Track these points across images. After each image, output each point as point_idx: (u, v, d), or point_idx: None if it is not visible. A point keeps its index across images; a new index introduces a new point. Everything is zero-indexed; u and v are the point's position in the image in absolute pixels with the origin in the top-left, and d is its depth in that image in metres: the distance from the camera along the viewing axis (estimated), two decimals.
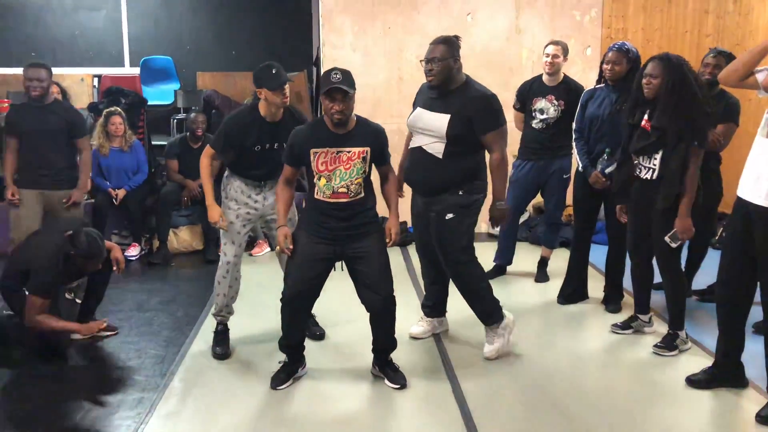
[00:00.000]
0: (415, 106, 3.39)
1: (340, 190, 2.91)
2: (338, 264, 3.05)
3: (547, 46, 4.40)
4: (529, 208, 5.69)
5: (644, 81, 3.21)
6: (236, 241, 3.44)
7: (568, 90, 4.30)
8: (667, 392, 3.05)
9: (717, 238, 5.08)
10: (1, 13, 7.11)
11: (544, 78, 4.40)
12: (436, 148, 3.22)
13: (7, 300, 3.48)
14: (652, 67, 3.19)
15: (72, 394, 3.09)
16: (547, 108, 4.34)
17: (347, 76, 2.82)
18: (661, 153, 3.20)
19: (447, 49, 3.13)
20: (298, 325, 3.09)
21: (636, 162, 3.34)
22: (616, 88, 3.75)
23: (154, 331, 3.86)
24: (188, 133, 5.51)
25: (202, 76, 7.27)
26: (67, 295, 3.92)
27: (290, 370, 3.14)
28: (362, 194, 2.96)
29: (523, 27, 5.91)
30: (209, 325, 3.88)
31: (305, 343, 3.19)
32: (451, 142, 3.18)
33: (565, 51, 4.39)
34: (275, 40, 7.43)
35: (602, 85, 3.87)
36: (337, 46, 5.81)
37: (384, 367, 3.13)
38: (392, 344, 3.13)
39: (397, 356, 3.17)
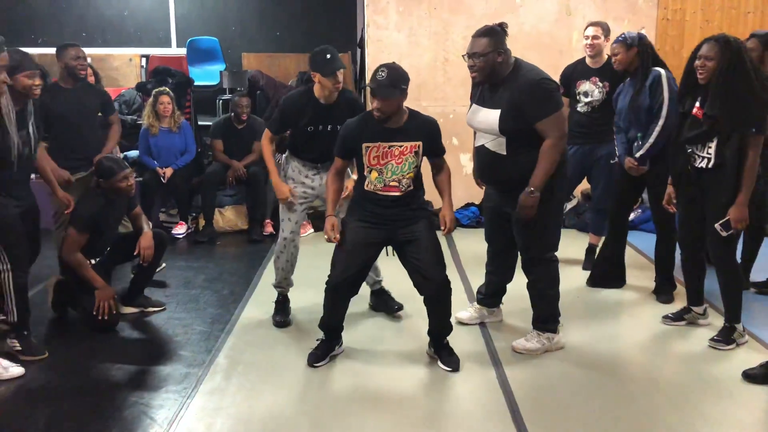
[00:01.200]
0: (472, 100, 3.25)
1: (392, 183, 2.91)
2: (387, 249, 3.04)
3: (586, 27, 4.35)
4: (577, 194, 5.58)
5: (698, 63, 3.04)
6: (293, 218, 3.54)
7: (612, 71, 4.18)
8: (722, 387, 2.94)
9: None
10: None
11: (587, 60, 4.34)
12: (498, 145, 3.06)
13: (65, 272, 3.56)
14: (707, 48, 3.03)
15: (122, 368, 3.15)
16: (591, 90, 4.27)
17: (393, 76, 2.79)
18: (715, 141, 3.05)
19: (489, 42, 2.92)
20: (341, 309, 3.10)
21: (690, 150, 3.19)
22: (631, 78, 3.75)
23: (200, 307, 3.91)
24: (233, 115, 5.54)
25: (248, 57, 7.30)
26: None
27: (327, 348, 3.15)
28: (413, 187, 2.96)
29: (574, 8, 5.75)
30: (253, 303, 3.93)
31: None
32: (511, 138, 3.01)
33: (606, 31, 4.30)
34: (320, 21, 7.40)
35: (628, 79, 3.83)
36: (381, 26, 5.75)
37: (439, 349, 3.11)
38: (446, 328, 3.10)
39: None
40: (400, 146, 2.90)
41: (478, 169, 3.31)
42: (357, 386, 2.93)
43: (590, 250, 4.56)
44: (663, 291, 3.92)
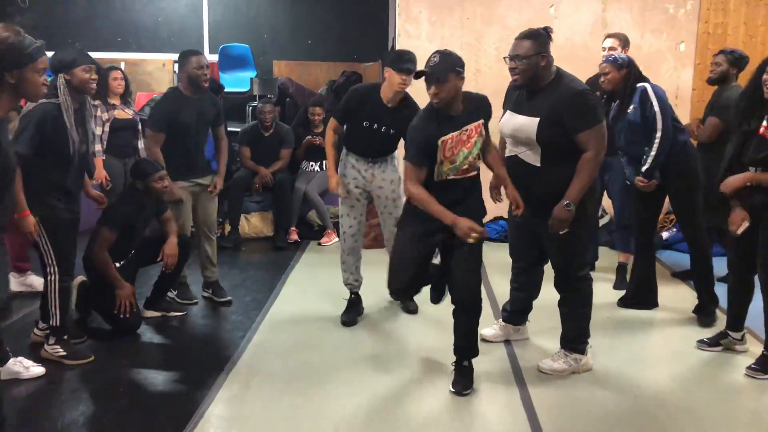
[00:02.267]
0: (504, 108, 3.16)
1: (464, 167, 2.84)
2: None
3: (604, 39, 4.27)
4: (609, 211, 5.45)
5: (767, 80, 2.90)
6: (351, 213, 3.67)
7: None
8: (759, 420, 2.80)
9: None
10: None
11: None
12: (532, 156, 2.95)
13: (88, 272, 3.56)
14: None
15: (141, 372, 3.13)
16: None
17: (446, 60, 2.70)
18: None
19: (533, 44, 2.84)
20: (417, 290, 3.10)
21: (750, 170, 3.02)
22: (616, 97, 3.73)
23: (221, 314, 3.88)
24: (258, 122, 5.55)
25: (278, 65, 7.34)
26: (170, 293, 3.93)
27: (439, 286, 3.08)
28: (476, 171, 2.90)
29: (610, 21, 5.64)
30: (275, 312, 3.90)
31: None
32: (546, 148, 2.90)
33: (624, 43, 4.27)
34: (351, 30, 7.40)
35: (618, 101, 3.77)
36: (413, 36, 5.70)
37: (457, 364, 2.99)
38: (469, 349, 2.98)
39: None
40: (466, 130, 2.81)
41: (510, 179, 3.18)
42: (377, 402, 2.85)
43: (620, 268, 4.44)
44: (705, 311, 3.76)
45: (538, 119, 2.89)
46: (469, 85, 5.65)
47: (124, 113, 4.77)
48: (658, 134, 3.57)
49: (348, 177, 3.66)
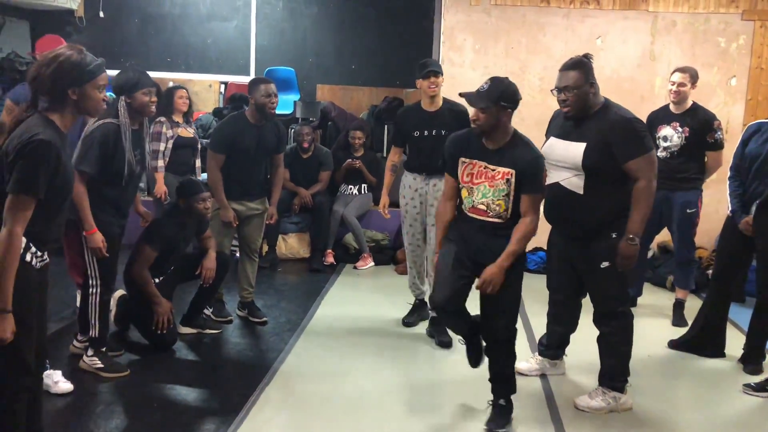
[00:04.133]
0: (548, 135, 3.12)
1: (479, 206, 2.72)
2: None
3: (673, 73, 4.21)
4: (654, 246, 5.31)
5: None
6: (410, 231, 3.94)
7: (695, 117, 4.05)
8: None
9: None
10: (144, 20, 7.61)
11: (671, 106, 4.23)
12: (575, 183, 2.89)
13: (128, 287, 3.61)
14: None
15: (174, 388, 3.14)
16: (670, 136, 4.14)
17: (494, 89, 2.62)
18: None
19: (580, 74, 2.83)
20: (459, 323, 2.91)
21: None
22: None
23: (256, 333, 3.89)
24: (296, 144, 5.59)
25: (322, 89, 7.42)
26: (206, 311, 3.96)
27: (476, 348, 2.94)
28: (504, 219, 2.69)
29: (659, 53, 5.56)
30: (309, 333, 3.89)
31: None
32: (591, 175, 2.85)
33: (694, 78, 4.16)
34: (395, 56, 7.45)
35: None
36: (456, 63, 5.72)
37: (495, 401, 2.89)
38: (504, 386, 2.87)
39: None
40: (494, 170, 2.67)
41: (549, 209, 3.08)
42: (402, 428, 2.79)
43: (678, 305, 4.30)
44: (751, 360, 3.56)
45: (585, 144, 2.86)
46: (513, 115, 5.69)
47: (186, 132, 4.87)
48: None
49: (406, 197, 3.92)
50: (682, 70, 4.14)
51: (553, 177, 3.00)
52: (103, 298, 3.12)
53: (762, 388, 3.24)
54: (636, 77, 5.54)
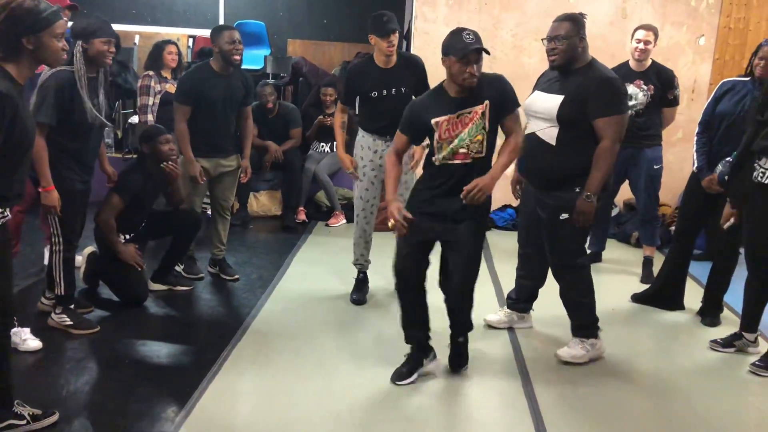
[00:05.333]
0: (534, 90, 3.17)
1: (461, 151, 2.73)
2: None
3: (637, 30, 4.19)
4: (620, 203, 5.42)
5: None
6: (365, 196, 3.70)
7: (657, 75, 4.08)
8: (760, 417, 2.80)
9: None
10: None
11: (632, 63, 4.23)
12: (550, 134, 2.97)
13: (99, 242, 3.58)
14: None
15: (146, 344, 3.15)
16: (635, 94, 4.15)
17: (478, 37, 2.65)
18: None
19: (573, 26, 2.90)
20: (416, 304, 2.87)
21: (756, 164, 3.02)
22: (757, 83, 3.38)
23: (227, 290, 3.90)
24: (260, 104, 5.45)
25: (293, 44, 7.29)
26: (177, 267, 3.94)
27: (414, 364, 2.89)
28: (483, 153, 2.74)
29: (630, 11, 5.56)
30: (281, 290, 3.92)
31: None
32: (565, 127, 2.92)
33: (656, 36, 4.19)
34: (367, 12, 7.25)
35: (747, 78, 3.49)
36: (429, 19, 5.65)
37: (453, 344, 2.96)
38: (465, 327, 2.94)
39: (471, 346, 3.03)
40: (468, 112, 2.71)
41: (523, 158, 3.15)
42: (380, 385, 2.86)
43: (647, 262, 4.40)
44: (710, 313, 3.70)
45: (563, 96, 2.93)
46: (484, 71, 5.65)
47: (174, 88, 4.75)
48: None
49: (364, 159, 3.67)
50: (646, 27, 4.16)
51: (531, 127, 3.08)
52: (66, 255, 3.07)
53: (729, 344, 3.35)
54: (607, 35, 5.54)
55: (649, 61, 4.17)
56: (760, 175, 2.99)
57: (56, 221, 3.01)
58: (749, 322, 3.30)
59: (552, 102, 2.96)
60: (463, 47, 2.60)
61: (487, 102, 2.71)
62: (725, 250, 3.60)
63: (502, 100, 2.74)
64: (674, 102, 4.22)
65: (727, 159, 3.36)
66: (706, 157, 3.56)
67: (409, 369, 2.89)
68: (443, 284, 2.91)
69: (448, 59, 2.65)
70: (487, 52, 2.66)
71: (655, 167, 4.21)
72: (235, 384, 2.82)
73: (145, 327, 3.37)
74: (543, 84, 3.12)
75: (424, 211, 2.79)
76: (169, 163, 3.53)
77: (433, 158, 2.79)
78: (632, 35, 4.21)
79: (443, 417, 2.67)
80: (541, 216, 3.10)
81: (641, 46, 4.11)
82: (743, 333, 3.33)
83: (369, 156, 3.67)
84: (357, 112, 3.84)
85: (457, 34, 2.64)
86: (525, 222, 3.34)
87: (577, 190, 2.94)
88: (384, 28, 3.45)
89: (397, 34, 3.50)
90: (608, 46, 5.52)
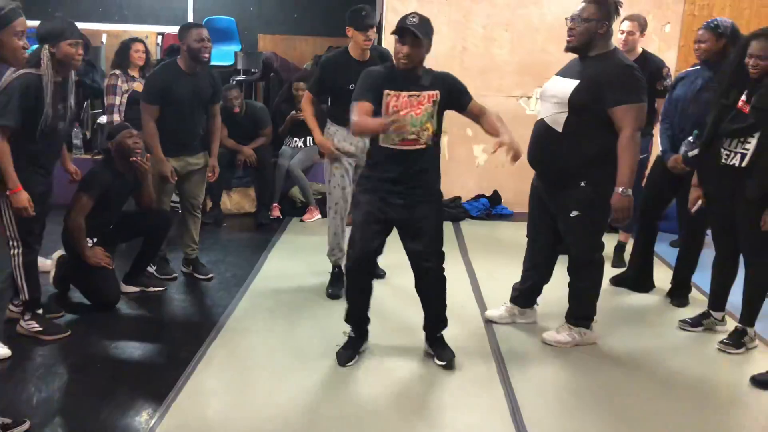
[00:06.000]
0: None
1: (411, 137, 2.72)
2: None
3: (622, 21, 4.19)
4: None
5: (750, 62, 2.89)
6: (340, 183, 3.66)
7: (646, 65, 4.08)
8: (730, 392, 2.86)
9: None
10: None
11: None
12: (557, 120, 2.91)
13: (66, 247, 3.53)
14: (759, 48, 2.86)
15: (118, 346, 3.12)
16: None
17: (425, 23, 2.66)
18: (757, 137, 2.93)
19: (597, 10, 2.83)
20: (364, 292, 2.94)
21: (722, 147, 3.07)
22: (709, 68, 3.48)
23: (201, 290, 3.87)
24: (227, 107, 5.37)
25: (263, 39, 7.24)
26: (149, 268, 3.89)
27: (356, 345, 3.00)
28: (430, 143, 2.77)
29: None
30: (256, 287, 3.89)
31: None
32: (574, 113, 2.86)
33: (642, 27, 4.20)
34: (339, 4, 7.26)
35: (698, 66, 3.61)
36: (400, 12, 5.61)
37: (433, 343, 3.02)
38: (440, 321, 3.01)
39: (446, 335, 3.05)
40: (418, 95, 2.72)
41: (530, 146, 3.07)
42: (357, 379, 2.87)
43: (619, 247, 4.46)
44: (678, 294, 3.80)
45: (578, 81, 2.87)
46: (455, 64, 5.70)
47: (142, 86, 4.69)
48: None
49: (340, 149, 3.66)
50: (631, 18, 4.18)
51: (541, 113, 3.05)
52: (27, 259, 3.00)
53: (698, 323, 3.42)
54: None
55: (639, 51, 4.18)
56: (725, 156, 3.05)
57: (13, 225, 2.94)
58: (716, 301, 3.38)
59: (567, 85, 2.90)
60: (399, 24, 2.65)
61: (438, 91, 2.74)
62: (690, 232, 3.69)
63: (455, 93, 2.78)
64: (664, 93, 4.14)
65: (689, 138, 3.44)
66: (670, 140, 3.65)
67: (352, 351, 2.98)
68: (414, 268, 2.90)
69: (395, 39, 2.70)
70: (417, 36, 2.62)
71: (641, 156, 4.24)
72: (210, 383, 2.80)
73: (117, 329, 3.33)
74: (562, 70, 3.06)
75: (375, 193, 2.82)
76: (138, 157, 3.48)
77: (380, 140, 2.77)
78: (620, 26, 4.23)
79: (417, 405, 2.68)
80: (552, 212, 3.10)
81: (624, 36, 4.13)
82: (711, 312, 3.40)
83: (345, 147, 3.66)
84: (329, 104, 3.81)
85: (404, 17, 2.67)
86: (534, 214, 3.28)
87: (582, 184, 2.92)
88: (363, 22, 3.46)
89: (374, 30, 3.51)
90: None
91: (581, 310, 3.19)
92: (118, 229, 3.69)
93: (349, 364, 2.94)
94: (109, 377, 2.82)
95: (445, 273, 2.91)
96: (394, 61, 2.74)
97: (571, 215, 2.97)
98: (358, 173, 3.72)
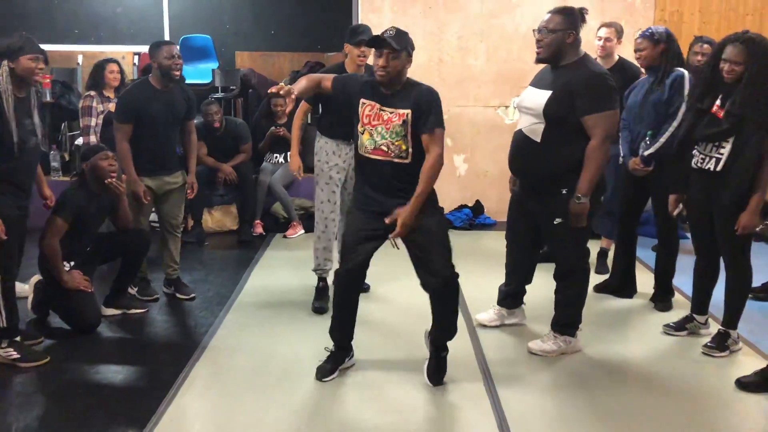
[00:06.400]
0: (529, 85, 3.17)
1: (382, 147, 2.72)
2: (395, 242, 2.81)
3: (599, 28, 4.26)
4: None
5: (725, 67, 2.93)
6: (332, 199, 3.69)
7: (622, 72, 4.13)
8: (716, 395, 2.87)
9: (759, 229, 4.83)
10: None
11: (599, 61, 4.23)
12: (535, 130, 2.93)
13: (42, 271, 3.47)
14: (734, 53, 2.90)
15: (99, 371, 3.06)
16: None
17: (401, 36, 2.65)
18: (731, 142, 2.96)
19: (563, 20, 2.87)
20: (350, 308, 2.91)
21: (695, 151, 3.10)
22: (652, 73, 3.62)
23: (184, 310, 3.83)
24: (206, 122, 5.32)
25: (241, 56, 7.23)
26: (130, 290, 3.85)
27: (337, 360, 2.95)
28: (408, 160, 2.72)
29: None
30: (240, 306, 3.85)
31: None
32: (551, 124, 2.88)
33: (619, 33, 4.25)
34: (314, 20, 7.32)
35: (646, 76, 3.73)
36: (375, 25, 5.60)
37: (433, 357, 2.92)
38: (452, 330, 2.91)
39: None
40: (391, 112, 2.70)
41: (509, 156, 3.14)
42: (344, 396, 2.84)
43: (602, 253, 4.48)
44: (661, 299, 3.81)
45: (551, 92, 2.89)
46: (432, 75, 5.73)
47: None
48: (675, 123, 3.47)
49: (329, 163, 3.68)
50: (608, 25, 4.24)
51: (519, 124, 3.08)
52: (4, 285, 2.95)
53: (681, 327, 3.43)
54: None
55: (616, 58, 4.23)
56: (699, 160, 3.08)
57: None
58: (699, 304, 3.40)
59: (540, 97, 2.92)
60: (374, 36, 2.65)
61: (409, 111, 2.68)
62: (664, 235, 3.75)
63: (423, 114, 2.67)
64: None
65: (645, 140, 3.58)
66: (629, 144, 3.75)
67: (333, 366, 2.94)
68: (423, 279, 2.81)
69: (372, 53, 2.71)
70: (394, 48, 2.60)
71: (619, 162, 4.29)
72: (193, 406, 2.76)
73: (98, 353, 3.27)
74: (535, 79, 3.08)
75: (366, 208, 2.80)
76: (113, 179, 3.44)
77: (359, 148, 2.79)
78: (597, 32, 4.28)
79: (407, 421, 2.65)
80: (536, 219, 3.11)
81: (601, 43, 4.18)
82: (694, 315, 3.42)
83: (334, 160, 3.69)
84: (313, 118, 3.83)
85: (383, 32, 2.67)
86: (513, 218, 3.32)
87: (564, 192, 2.93)
88: (356, 37, 3.54)
89: (368, 49, 3.46)
90: None
91: (567, 317, 3.19)
92: (96, 252, 3.64)
93: (327, 379, 2.90)
94: (89, 404, 2.76)
95: (456, 282, 2.83)
96: (375, 74, 2.71)
97: (555, 222, 2.99)
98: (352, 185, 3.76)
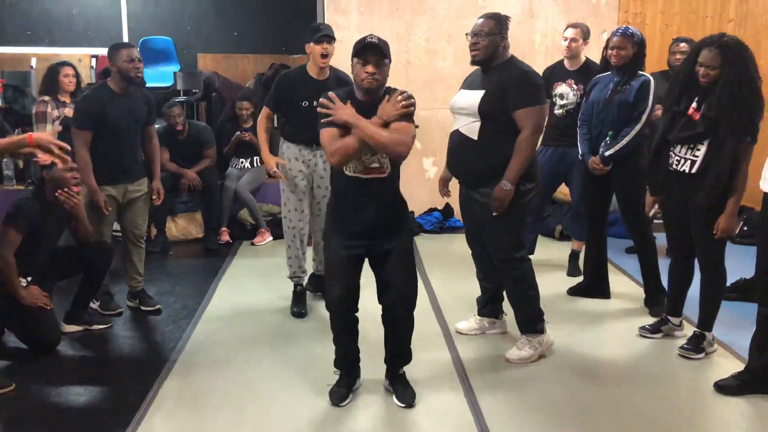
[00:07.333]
0: (460, 88, 3.23)
1: (373, 165, 2.63)
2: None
3: (566, 28, 4.27)
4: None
5: (700, 71, 2.94)
6: (299, 207, 3.69)
7: (588, 74, 4.13)
8: (695, 398, 2.87)
9: (738, 232, 4.90)
10: None
11: (565, 62, 4.31)
12: (472, 129, 3.03)
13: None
14: (709, 57, 2.90)
15: (60, 393, 2.91)
16: (566, 93, 4.23)
17: (384, 43, 2.59)
18: (706, 144, 2.98)
19: (496, 24, 3.00)
20: (351, 332, 2.81)
21: (672, 153, 3.11)
22: (620, 73, 3.63)
23: (149, 324, 3.68)
24: (168, 126, 5.20)
25: (203, 58, 7.07)
26: (92, 304, 3.70)
27: (349, 383, 2.85)
28: (390, 168, 2.66)
29: (537, 11, 5.69)
30: (208, 318, 3.73)
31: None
32: (486, 121, 2.99)
33: (585, 34, 4.26)
34: (279, 21, 7.20)
35: (608, 72, 3.72)
36: (342, 26, 5.58)
37: (394, 380, 2.87)
38: (404, 355, 2.87)
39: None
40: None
41: (448, 156, 3.24)
42: (319, 411, 2.75)
43: (573, 255, 4.48)
44: (653, 302, 3.77)
45: (483, 92, 3.00)
46: (400, 77, 5.67)
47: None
48: (638, 126, 3.52)
49: (293, 170, 3.66)
50: (574, 25, 4.25)
51: (455, 125, 3.14)
52: None
53: (657, 330, 3.44)
54: (517, 35, 5.61)
55: (582, 59, 4.24)
56: (676, 162, 3.08)
57: None
58: (673, 306, 3.41)
59: (474, 97, 3.02)
60: (360, 43, 2.57)
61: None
62: (640, 236, 3.77)
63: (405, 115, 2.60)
64: None
65: (606, 139, 3.62)
66: (588, 143, 3.78)
67: (346, 390, 2.83)
68: (380, 291, 2.76)
69: (353, 61, 2.60)
70: (386, 56, 2.55)
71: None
72: (162, 427, 2.63)
73: (59, 374, 3.11)
74: (466, 83, 3.20)
75: (347, 229, 2.70)
76: (65, 190, 3.27)
77: (346, 170, 2.65)
78: (563, 33, 4.29)
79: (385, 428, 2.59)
80: (477, 213, 3.11)
81: (566, 43, 4.20)
82: (669, 318, 3.43)
83: (298, 166, 3.65)
84: (279, 123, 3.75)
85: (362, 38, 2.59)
86: (467, 222, 3.33)
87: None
88: (316, 34, 3.50)
89: (331, 46, 3.52)
90: (518, 45, 5.61)
91: (527, 313, 3.18)
92: (55, 265, 3.47)
93: (343, 404, 2.77)
94: (53, 429, 2.62)
95: (414, 304, 2.78)
96: (359, 83, 2.59)
97: (494, 214, 3.02)
98: (320, 194, 3.69)
